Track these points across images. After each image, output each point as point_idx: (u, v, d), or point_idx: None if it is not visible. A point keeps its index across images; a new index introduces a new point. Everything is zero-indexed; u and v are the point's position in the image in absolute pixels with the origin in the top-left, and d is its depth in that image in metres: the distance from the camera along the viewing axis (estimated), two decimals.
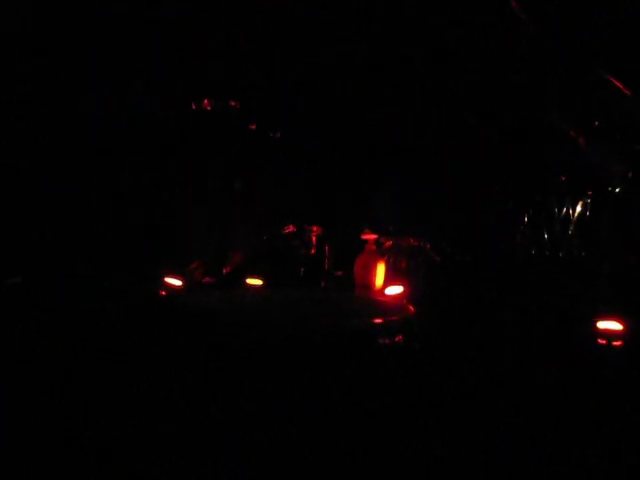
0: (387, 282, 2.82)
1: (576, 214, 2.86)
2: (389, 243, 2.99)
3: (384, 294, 2.78)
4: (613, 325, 2.36)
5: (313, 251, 3.05)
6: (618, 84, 2.53)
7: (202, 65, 3.07)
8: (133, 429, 1.99)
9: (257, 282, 2.93)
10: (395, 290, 2.78)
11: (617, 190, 2.79)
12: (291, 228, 3.10)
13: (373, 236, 2.84)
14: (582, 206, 2.86)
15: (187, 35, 3.02)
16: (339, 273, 2.90)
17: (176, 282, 2.84)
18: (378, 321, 2.33)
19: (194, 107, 3.09)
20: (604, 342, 2.30)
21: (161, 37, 3.00)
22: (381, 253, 2.90)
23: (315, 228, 3.05)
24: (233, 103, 3.09)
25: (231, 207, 3.09)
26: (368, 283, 2.79)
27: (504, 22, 2.79)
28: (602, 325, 2.37)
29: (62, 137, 2.93)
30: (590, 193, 2.85)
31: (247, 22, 3.01)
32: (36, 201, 2.88)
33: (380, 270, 2.81)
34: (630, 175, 2.79)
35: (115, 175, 3.01)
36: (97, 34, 2.94)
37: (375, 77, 2.96)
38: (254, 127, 3.10)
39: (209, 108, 3.09)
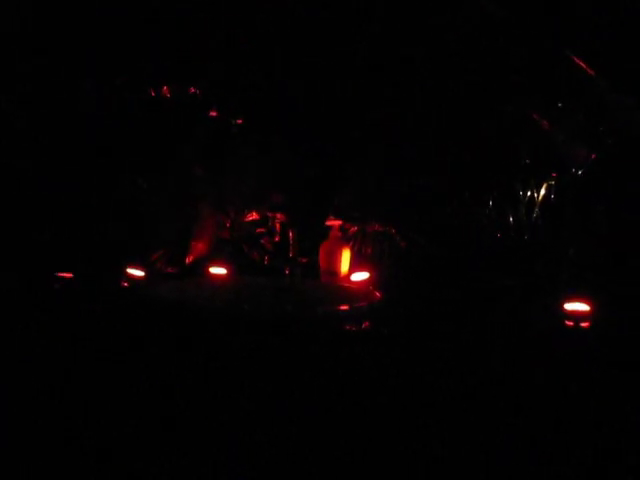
0: (353, 268, 2.79)
1: (540, 197, 2.85)
2: (354, 229, 2.96)
3: (350, 280, 2.75)
4: (580, 306, 2.36)
5: (277, 238, 3.02)
6: (582, 65, 2.52)
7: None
8: (97, 423, 1.97)
9: (221, 271, 2.89)
10: (361, 276, 2.76)
11: (580, 173, 2.79)
12: (254, 215, 3.06)
13: (338, 222, 2.81)
14: (546, 189, 2.86)
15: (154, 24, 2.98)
16: (304, 260, 2.86)
17: (138, 273, 2.79)
18: (344, 308, 2.31)
19: (153, 94, 3.04)
20: (571, 323, 2.30)
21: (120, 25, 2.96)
22: (346, 239, 2.87)
23: (279, 215, 3.01)
24: (193, 90, 3.04)
25: (193, 195, 3.04)
26: (333, 270, 2.76)
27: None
28: (569, 307, 2.36)
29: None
30: (554, 176, 2.84)
31: (213, 12, 2.97)
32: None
33: (345, 256, 2.78)
34: (593, 157, 2.79)
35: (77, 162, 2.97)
36: None
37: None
38: (215, 114, 3.05)
39: (168, 95, 3.04)
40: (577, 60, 2.50)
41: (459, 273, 2.81)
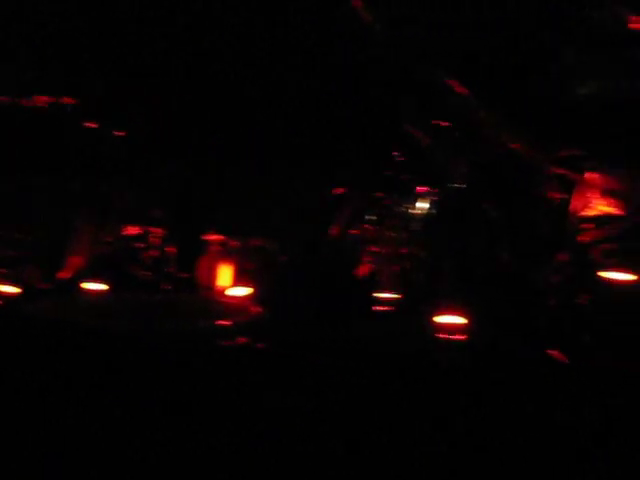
0: (233, 283, 2.77)
1: (419, 211, 2.91)
2: (235, 244, 2.94)
3: (229, 295, 2.73)
4: (455, 319, 2.41)
5: (156, 253, 2.96)
6: (452, 83, 2.59)
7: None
8: None
9: (99, 287, 2.81)
10: (241, 291, 2.74)
11: (459, 187, 2.86)
12: (134, 230, 2.99)
13: (218, 237, 2.78)
14: (425, 203, 2.92)
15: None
16: (184, 275, 2.83)
17: (12, 290, 2.68)
18: (222, 323, 2.29)
19: (26, 104, 2.95)
20: (444, 336, 2.34)
21: None
22: (227, 254, 2.84)
23: (158, 230, 2.96)
24: (69, 100, 2.96)
25: (70, 208, 2.96)
26: (213, 285, 2.73)
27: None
28: (442, 320, 2.41)
29: None
30: (435, 191, 2.91)
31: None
32: None
33: (225, 271, 2.75)
34: (469, 172, 2.87)
35: None
36: None
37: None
38: (94, 125, 2.98)
39: (44, 105, 2.95)
40: (453, 82, 2.57)
41: (340, 287, 2.84)
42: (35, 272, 2.87)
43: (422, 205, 2.92)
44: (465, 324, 2.40)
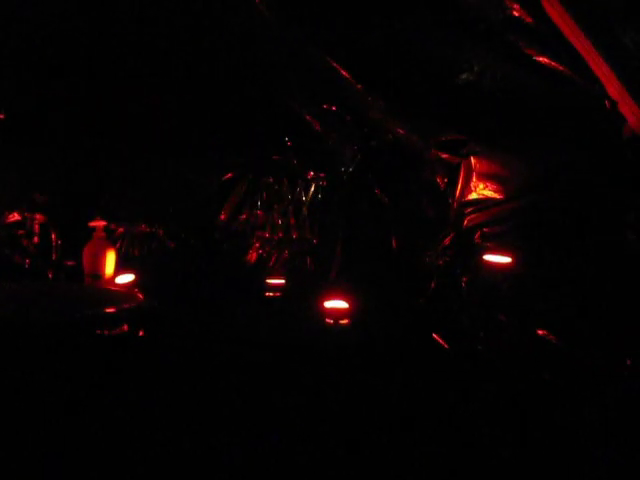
0: (118, 271, 2.71)
1: (309, 197, 2.92)
2: (120, 230, 2.88)
3: (114, 283, 2.67)
4: (340, 304, 2.43)
5: (36, 240, 2.87)
6: (336, 67, 2.59)
7: None
8: None
9: None
10: (126, 279, 2.69)
11: (346, 172, 2.88)
12: (15, 216, 2.90)
13: (102, 223, 2.70)
14: (314, 189, 2.92)
15: None
16: (70, 263, 2.75)
17: None
18: (104, 311, 2.23)
19: None
20: (331, 321, 2.36)
21: None
22: (112, 241, 2.78)
23: (39, 216, 2.87)
24: None
25: None
26: (98, 272, 2.65)
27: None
28: (330, 305, 2.43)
29: None
30: (323, 175, 2.92)
31: None
32: None
33: (110, 258, 2.68)
34: (359, 158, 2.89)
35: None
36: None
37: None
38: None
39: None
40: (333, 63, 2.57)
41: (229, 273, 2.83)
42: None
43: (312, 190, 2.93)
44: (352, 309, 2.42)
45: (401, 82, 2.49)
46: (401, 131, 2.69)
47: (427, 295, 2.58)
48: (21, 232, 2.87)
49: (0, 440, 1.81)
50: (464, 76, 2.40)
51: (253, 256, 2.89)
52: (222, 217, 2.90)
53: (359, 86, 2.58)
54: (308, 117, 2.89)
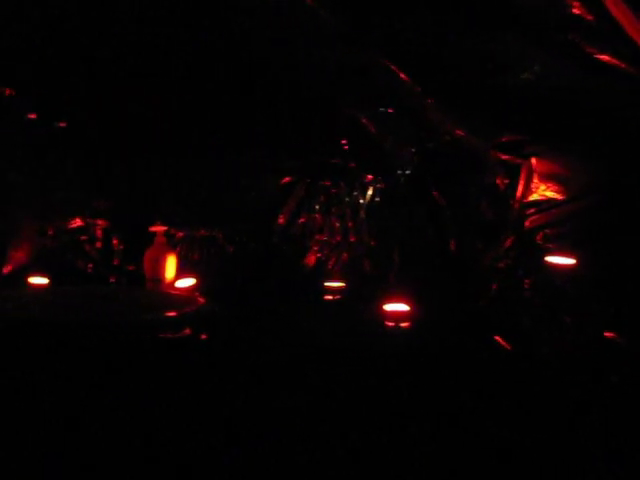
0: (178, 275, 2.74)
1: (366, 200, 2.91)
2: (180, 234, 2.91)
3: (175, 287, 2.70)
4: (400, 307, 2.42)
5: (100, 245, 2.92)
6: (395, 70, 2.58)
7: None
8: None
9: (42, 281, 2.76)
10: (186, 283, 2.71)
11: (406, 174, 2.86)
12: (77, 222, 2.95)
13: (163, 228, 2.74)
14: (372, 192, 2.92)
15: None
16: (129, 267, 2.79)
17: None
18: (167, 314, 2.26)
19: None
20: (392, 324, 2.35)
21: None
22: (172, 245, 2.81)
23: (101, 222, 2.92)
24: (9, 91, 2.90)
25: (10, 201, 2.90)
26: (158, 276, 2.69)
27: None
28: (390, 308, 2.42)
29: None
30: (380, 178, 2.91)
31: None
32: None
33: (170, 263, 2.72)
34: (416, 160, 2.87)
35: None
36: None
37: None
38: (34, 116, 2.92)
39: None
40: (392, 66, 2.56)
41: (288, 276, 2.84)
42: None
43: (369, 193, 2.92)
44: (412, 311, 2.41)
45: (460, 83, 2.46)
46: (460, 132, 2.67)
47: (488, 297, 2.55)
48: (84, 238, 2.93)
49: (72, 438, 1.84)
50: (524, 76, 2.36)
51: (311, 259, 2.90)
52: (280, 221, 2.91)
53: (418, 88, 2.57)
54: (364, 120, 2.88)
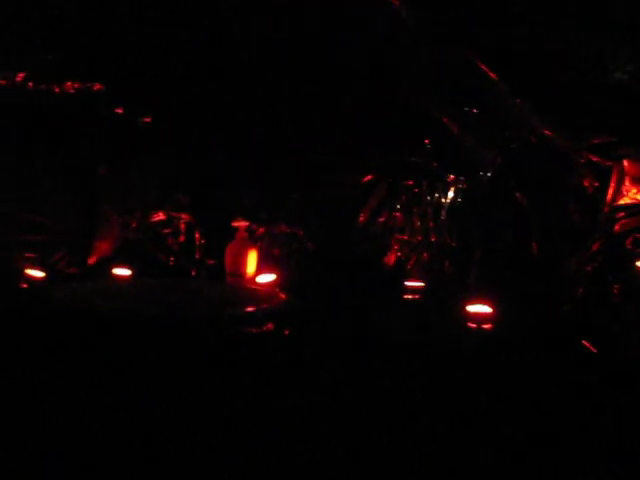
0: (259, 270, 2.76)
1: (447, 200, 2.88)
2: (261, 230, 2.93)
3: (256, 282, 2.72)
4: (483, 309, 2.38)
5: (182, 239, 2.97)
6: (484, 68, 2.55)
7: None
8: None
9: (125, 272, 2.81)
10: (267, 278, 2.73)
11: (488, 175, 2.83)
12: (160, 216, 3.00)
13: (244, 223, 2.77)
14: (453, 192, 2.89)
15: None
16: (210, 262, 2.82)
17: (38, 274, 2.69)
18: (249, 309, 2.27)
19: (57, 90, 2.95)
20: (474, 325, 2.32)
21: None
22: (253, 241, 2.84)
23: (184, 216, 2.96)
24: (98, 86, 2.96)
25: (97, 194, 2.97)
26: (239, 271, 2.71)
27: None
28: (472, 309, 2.38)
29: None
30: (461, 179, 2.88)
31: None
32: None
33: (252, 258, 2.74)
34: (499, 161, 2.83)
35: None
36: None
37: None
38: (121, 111, 2.98)
39: (72, 91, 2.96)
40: (481, 65, 2.53)
41: (367, 274, 2.83)
42: (62, 257, 2.89)
43: (451, 193, 2.90)
44: (493, 313, 2.37)
45: (550, 83, 2.43)
46: (548, 133, 2.62)
47: (573, 301, 2.50)
48: (167, 231, 2.98)
49: (151, 430, 1.86)
50: (616, 76, 2.31)
51: (391, 258, 2.89)
52: (361, 219, 2.90)
53: (505, 87, 2.54)
54: (447, 119, 2.86)
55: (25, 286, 2.63)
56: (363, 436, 1.88)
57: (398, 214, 2.90)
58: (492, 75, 2.52)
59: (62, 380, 1.99)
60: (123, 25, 2.94)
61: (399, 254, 2.89)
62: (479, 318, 2.35)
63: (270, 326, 2.16)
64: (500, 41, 2.43)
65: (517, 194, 2.80)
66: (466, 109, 2.80)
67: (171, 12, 2.88)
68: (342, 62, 2.83)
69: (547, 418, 1.88)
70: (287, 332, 2.15)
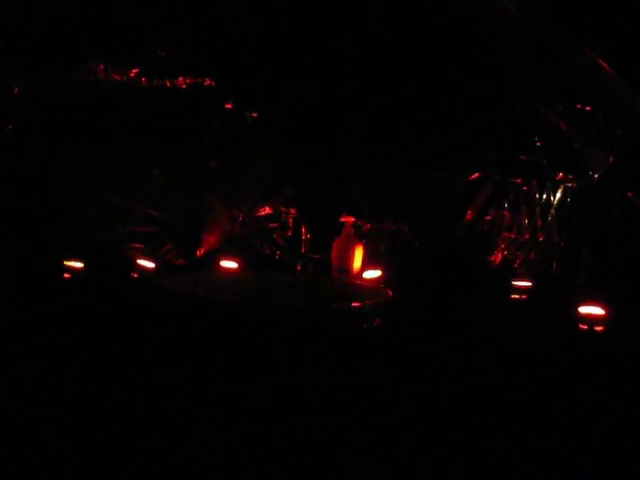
0: (365, 266, 2.77)
1: (557, 199, 2.83)
2: (367, 226, 2.94)
3: (362, 278, 2.73)
4: (595, 310, 2.33)
5: (289, 233, 3.00)
6: (603, 64, 2.49)
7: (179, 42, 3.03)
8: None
9: (232, 265, 2.86)
10: (373, 274, 2.74)
11: (597, 176, 2.76)
12: (267, 210, 3.04)
13: (351, 219, 2.78)
14: (563, 191, 2.83)
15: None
16: (316, 256, 2.84)
17: (149, 264, 2.77)
18: (356, 305, 2.28)
19: (168, 85, 3.03)
20: (586, 327, 2.27)
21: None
22: (359, 236, 2.84)
23: (292, 210, 3.00)
24: (209, 81, 3.02)
25: (207, 188, 3.03)
26: (346, 266, 2.73)
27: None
28: (584, 310, 2.33)
29: None
30: (571, 178, 2.82)
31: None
32: None
33: (358, 254, 2.75)
34: (611, 160, 2.76)
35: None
36: None
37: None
38: (230, 106, 3.04)
39: (184, 86, 3.03)
40: (598, 60, 2.47)
41: (474, 273, 2.80)
42: (171, 249, 2.96)
43: (560, 192, 2.84)
44: (606, 315, 2.31)
45: None
46: None
47: None
48: (274, 225, 3.02)
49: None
50: None
51: (498, 257, 2.85)
52: (468, 217, 2.87)
53: (624, 83, 2.47)
54: (555, 116, 2.80)
55: (136, 275, 2.71)
56: (466, 437, 1.88)
57: (506, 212, 2.86)
58: (609, 70, 2.45)
59: (164, 366, 2.04)
60: (230, 21, 3.00)
61: (506, 253, 2.85)
62: (591, 320, 2.30)
63: (378, 322, 2.17)
64: (620, 37, 2.37)
65: (629, 194, 2.72)
66: (579, 107, 2.73)
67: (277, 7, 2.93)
68: (453, 58, 2.82)
69: None
70: (392, 327, 2.15)
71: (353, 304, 2.29)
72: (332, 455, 1.89)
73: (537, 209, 2.84)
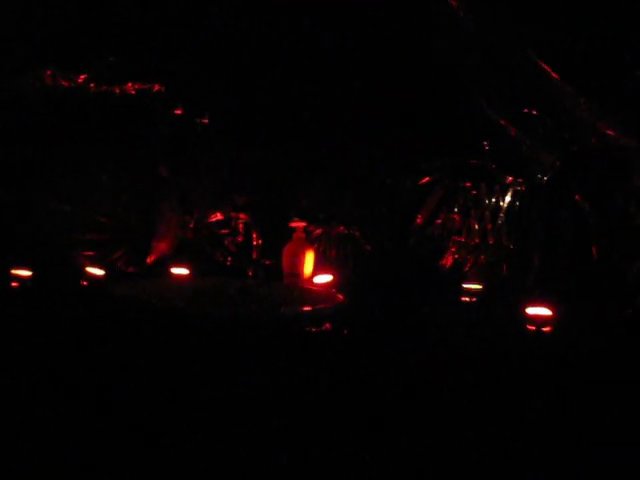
0: (316, 271, 2.77)
1: (506, 202, 2.85)
2: (318, 231, 2.94)
3: (313, 283, 2.72)
4: (542, 311, 2.35)
5: (240, 239, 3.00)
6: (547, 69, 2.52)
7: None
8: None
9: (183, 271, 2.85)
10: (324, 279, 2.74)
11: (545, 179, 2.79)
12: (218, 216, 3.03)
13: (302, 224, 2.78)
14: (512, 194, 2.86)
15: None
16: (267, 262, 2.83)
17: (98, 272, 2.74)
18: (306, 309, 2.28)
19: (117, 91, 3.00)
20: (533, 328, 2.29)
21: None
22: (310, 241, 2.85)
23: (242, 216, 2.99)
24: (158, 87, 3.01)
25: (157, 194, 3.01)
26: (297, 272, 2.73)
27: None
28: (531, 311, 2.36)
29: None
30: (520, 181, 2.85)
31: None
32: None
33: (309, 259, 2.75)
34: (558, 164, 2.80)
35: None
36: None
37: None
38: (180, 112, 3.02)
39: (133, 92, 3.01)
40: (543, 65, 2.50)
41: (424, 276, 2.82)
42: (122, 256, 2.93)
43: (509, 196, 2.86)
44: (552, 316, 2.34)
45: (616, 83, 2.39)
46: (611, 133, 2.57)
47: (635, 306, 2.45)
48: (225, 231, 3.01)
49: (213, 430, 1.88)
50: None
51: (449, 260, 2.87)
52: (418, 221, 2.89)
53: (569, 88, 2.50)
54: (504, 121, 2.83)
55: (85, 283, 2.68)
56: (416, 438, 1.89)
57: (456, 216, 2.88)
58: (555, 75, 2.49)
59: (118, 373, 2.02)
60: (179, 27, 2.98)
61: (456, 256, 2.87)
62: (538, 320, 2.32)
63: (328, 326, 2.17)
64: (564, 41, 2.40)
65: (577, 196, 2.76)
66: (526, 111, 2.76)
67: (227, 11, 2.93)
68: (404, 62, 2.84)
69: (605, 423, 1.86)
70: (345, 332, 2.15)
71: (304, 309, 2.28)
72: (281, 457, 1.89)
73: (487, 213, 2.86)
